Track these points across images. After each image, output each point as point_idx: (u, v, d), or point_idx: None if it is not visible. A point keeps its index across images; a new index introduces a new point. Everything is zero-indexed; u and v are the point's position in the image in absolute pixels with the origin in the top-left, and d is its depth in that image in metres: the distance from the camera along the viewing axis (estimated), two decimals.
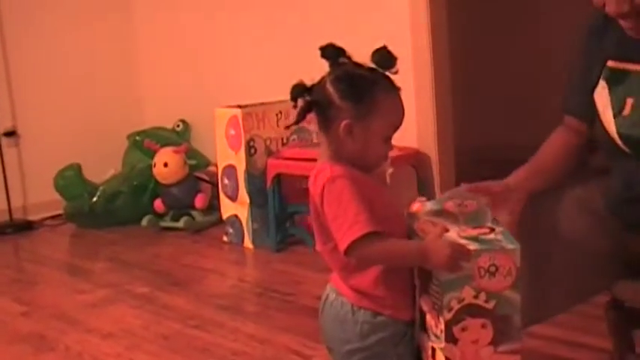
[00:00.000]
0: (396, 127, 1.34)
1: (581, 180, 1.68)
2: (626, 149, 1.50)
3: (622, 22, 1.41)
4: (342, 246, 1.26)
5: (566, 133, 1.66)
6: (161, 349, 2.42)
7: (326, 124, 1.33)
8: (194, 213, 3.92)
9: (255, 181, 3.46)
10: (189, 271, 3.26)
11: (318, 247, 1.37)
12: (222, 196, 3.64)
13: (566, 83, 1.66)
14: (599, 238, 1.54)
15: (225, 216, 3.65)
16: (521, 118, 4.76)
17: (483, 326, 1.28)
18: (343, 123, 1.30)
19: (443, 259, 1.23)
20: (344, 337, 1.34)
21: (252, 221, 3.49)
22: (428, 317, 1.32)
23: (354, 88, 1.30)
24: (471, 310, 1.28)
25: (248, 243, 3.53)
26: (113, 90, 4.68)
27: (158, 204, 3.96)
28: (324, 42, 1.38)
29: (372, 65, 1.33)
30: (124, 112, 4.69)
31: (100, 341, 2.53)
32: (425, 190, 3.29)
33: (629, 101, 1.48)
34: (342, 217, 1.26)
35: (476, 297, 1.27)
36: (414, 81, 3.22)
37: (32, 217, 4.26)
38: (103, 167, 4.25)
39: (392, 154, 3.00)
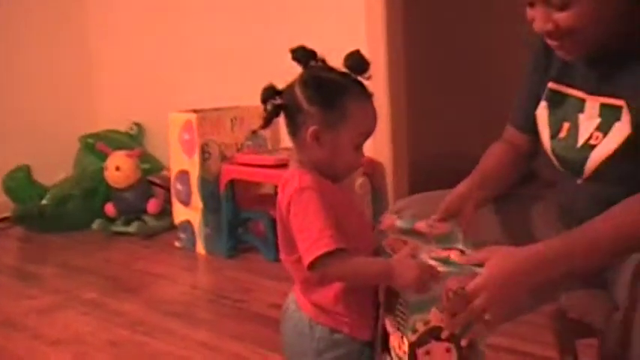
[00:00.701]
0: (368, 135, 1.31)
1: (538, 194, 1.72)
2: (561, 169, 1.55)
3: (548, 41, 1.44)
4: (306, 261, 1.23)
5: (505, 146, 1.70)
6: (110, 356, 2.39)
7: (294, 129, 1.29)
8: (146, 218, 3.88)
9: (209, 186, 3.45)
10: (140, 277, 3.22)
11: (282, 257, 1.35)
12: (174, 201, 3.62)
13: (515, 96, 1.70)
14: None
15: (177, 221, 3.62)
16: (475, 129, 4.82)
17: (447, 350, 1.26)
18: (310, 129, 1.26)
19: (410, 280, 1.22)
20: (300, 351, 1.33)
21: (204, 227, 3.47)
22: (392, 338, 1.30)
23: (324, 93, 1.26)
24: (436, 333, 1.25)
25: (200, 249, 3.50)
26: (66, 91, 4.61)
27: (109, 208, 3.91)
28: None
29: (344, 70, 1.30)
30: (77, 113, 4.62)
31: (47, 348, 2.48)
32: (378, 198, 3.31)
33: (566, 125, 1.52)
34: (307, 231, 1.23)
35: (442, 320, 1.24)
36: (370, 89, 3.23)
37: None
38: (54, 170, 4.18)
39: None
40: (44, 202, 3.93)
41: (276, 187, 2.89)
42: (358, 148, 1.30)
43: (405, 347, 1.25)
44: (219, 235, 3.45)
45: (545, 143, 1.56)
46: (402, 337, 1.26)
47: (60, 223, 3.95)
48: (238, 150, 3.52)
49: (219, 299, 2.89)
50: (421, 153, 4.35)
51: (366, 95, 1.31)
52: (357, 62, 1.29)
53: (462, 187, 1.57)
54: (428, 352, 1.25)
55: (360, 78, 1.31)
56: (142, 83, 4.42)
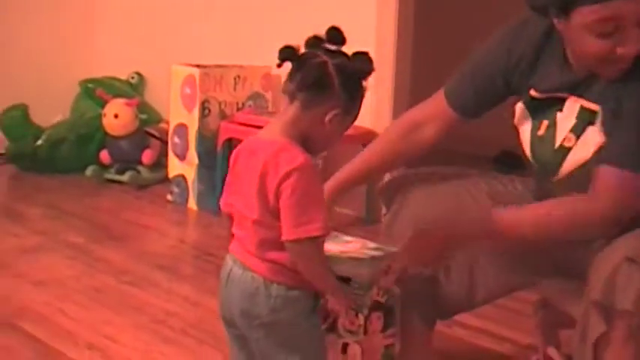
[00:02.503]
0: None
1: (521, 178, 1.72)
2: (536, 166, 1.58)
3: (611, 66, 1.40)
4: (291, 236, 1.28)
5: (404, 133, 1.71)
6: (92, 301, 2.39)
7: (311, 103, 1.31)
8: (140, 168, 3.86)
9: (206, 142, 3.43)
10: (128, 227, 3.22)
11: (246, 213, 1.35)
12: (170, 154, 3.60)
13: (464, 71, 1.67)
14: None
15: (171, 175, 3.61)
16: None
17: (378, 317, 1.56)
18: (334, 112, 1.30)
19: (343, 309, 1.46)
20: (254, 312, 1.34)
21: (198, 183, 3.46)
22: (341, 319, 1.54)
23: (354, 83, 1.32)
24: (374, 306, 1.53)
25: (192, 204, 3.50)
26: (69, 34, 4.56)
27: (104, 155, 3.89)
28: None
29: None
30: (78, 57, 4.57)
31: (29, 288, 2.48)
32: None
33: (545, 123, 1.54)
34: (301, 207, 1.27)
35: (377, 294, 1.54)
36: (375, 59, 3.20)
37: None
38: (51, 111, 4.14)
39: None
40: (39, 142, 3.91)
41: None
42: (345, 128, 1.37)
43: (361, 321, 1.52)
44: (212, 192, 3.43)
45: (525, 141, 1.58)
46: (356, 315, 1.52)
47: (53, 165, 3.94)
48: (238, 109, 3.49)
49: (205, 256, 2.89)
50: None
51: None
52: (362, 59, 1.33)
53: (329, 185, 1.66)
54: (370, 322, 1.54)
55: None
56: (146, 33, 4.37)
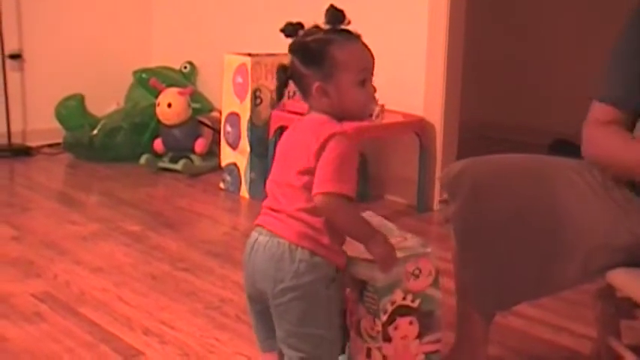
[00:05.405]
0: (367, 70, 1.43)
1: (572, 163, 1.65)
2: None
3: None
4: (322, 189, 1.36)
5: (623, 132, 1.58)
6: (149, 288, 2.43)
7: (304, 93, 1.45)
8: (193, 157, 3.91)
9: (258, 131, 3.45)
10: (183, 214, 3.26)
11: (284, 179, 1.43)
12: (223, 143, 3.63)
13: (610, 71, 1.59)
14: (611, 225, 1.54)
15: (224, 163, 3.64)
16: (527, 101, 4.73)
17: (411, 323, 1.50)
18: (315, 86, 1.41)
19: (383, 254, 1.43)
20: (278, 277, 1.40)
21: (250, 171, 3.48)
22: (363, 322, 1.50)
23: (310, 53, 1.41)
24: (400, 311, 1.48)
25: (244, 192, 3.52)
26: (123, 24, 4.63)
27: (158, 144, 3.94)
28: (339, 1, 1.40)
29: (326, 26, 1.42)
30: (133, 47, 4.64)
31: (88, 274, 2.54)
32: (427, 158, 3.28)
33: None
34: (338, 169, 1.37)
35: (404, 298, 1.48)
36: (427, 50, 3.18)
37: (31, 143, 4.25)
38: (106, 101, 4.22)
39: (395, 119, 3.01)
40: (95, 132, 3.98)
41: None
42: (363, 84, 1.43)
43: (379, 327, 1.47)
44: (263, 181, 3.42)
45: None
46: (373, 320, 1.47)
47: (108, 154, 4.01)
48: (290, 97, 3.49)
49: None
50: (470, 119, 4.29)
51: (351, 39, 1.43)
52: (333, 15, 1.43)
53: None
54: (396, 328, 1.48)
55: (343, 27, 1.43)
56: (198, 22, 4.40)
